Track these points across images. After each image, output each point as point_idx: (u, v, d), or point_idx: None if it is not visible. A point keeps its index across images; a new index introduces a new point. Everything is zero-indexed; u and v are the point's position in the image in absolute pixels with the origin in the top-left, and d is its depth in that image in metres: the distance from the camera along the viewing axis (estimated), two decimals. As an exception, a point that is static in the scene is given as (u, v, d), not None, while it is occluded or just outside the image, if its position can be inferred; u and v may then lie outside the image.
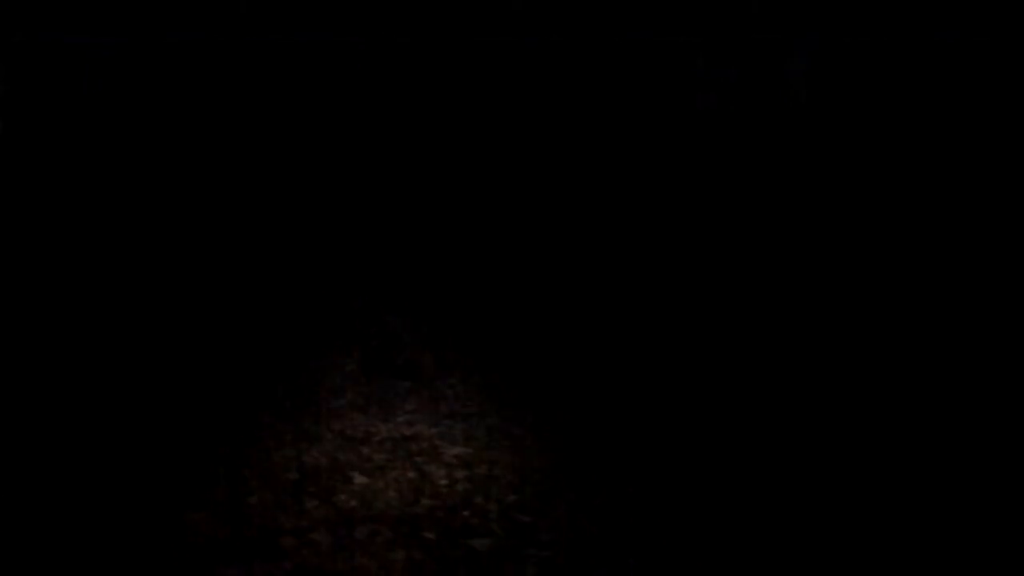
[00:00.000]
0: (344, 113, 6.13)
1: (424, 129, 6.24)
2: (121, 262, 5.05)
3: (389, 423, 2.86)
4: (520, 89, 6.22)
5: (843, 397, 3.14)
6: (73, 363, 3.38)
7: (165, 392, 3.13)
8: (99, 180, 5.97)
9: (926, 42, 5.65)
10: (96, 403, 3.01)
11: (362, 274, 4.97)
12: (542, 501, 2.21)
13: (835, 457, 2.59)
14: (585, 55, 6.23)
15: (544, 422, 2.87)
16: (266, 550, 1.88)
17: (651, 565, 1.85)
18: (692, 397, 3.15)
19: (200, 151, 6.05)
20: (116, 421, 2.85)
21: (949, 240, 5.21)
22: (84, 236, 5.50)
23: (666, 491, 2.29)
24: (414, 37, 6.10)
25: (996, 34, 5.50)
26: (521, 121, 6.23)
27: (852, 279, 4.81)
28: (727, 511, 2.15)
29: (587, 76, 6.24)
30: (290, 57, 5.97)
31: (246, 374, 3.32)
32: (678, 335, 3.89)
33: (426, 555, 1.91)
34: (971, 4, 5.55)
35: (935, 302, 4.38)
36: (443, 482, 2.37)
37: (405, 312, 4.20)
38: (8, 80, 5.49)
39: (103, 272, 4.82)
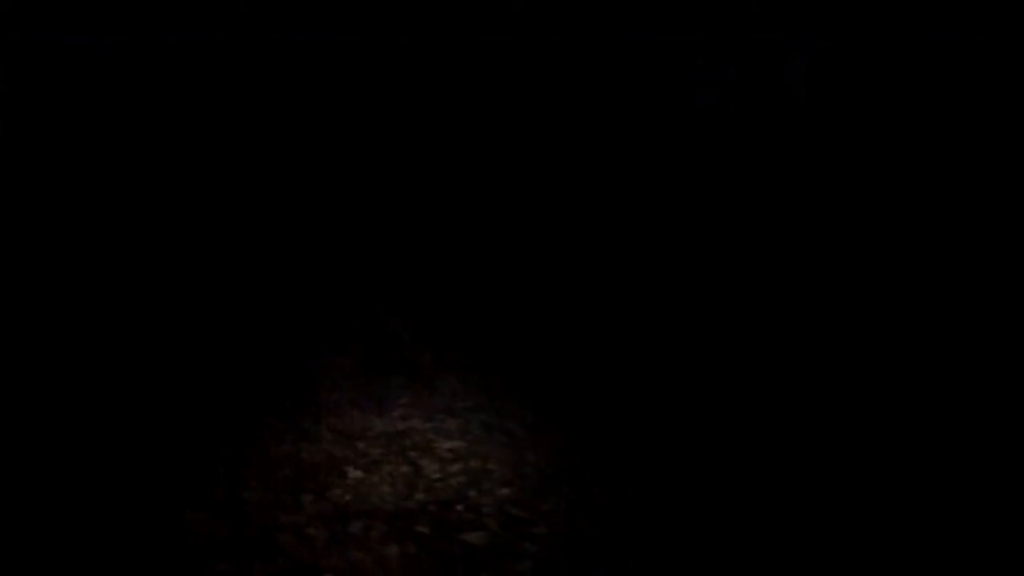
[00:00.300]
0: (344, 113, 6.14)
1: (424, 129, 6.25)
2: (121, 262, 5.05)
3: (384, 418, 2.86)
4: (520, 89, 6.22)
5: (840, 395, 3.14)
6: (73, 363, 3.39)
7: (165, 392, 3.13)
8: (99, 180, 5.98)
9: (926, 42, 5.65)
10: (96, 403, 3.01)
11: (362, 274, 4.98)
12: (537, 496, 2.21)
13: (834, 454, 2.59)
14: (585, 55, 6.24)
15: (540, 418, 2.87)
16: (264, 548, 1.88)
17: (649, 563, 1.84)
18: (690, 395, 3.15)
19: (200, 151, 6.06)
20: (116, 421, 2.85)
21: (949, 240, 5.20)
22: (84, 236, 5.51)
23: (665, 489, 2.29)
24: (414, 37, 6.10)
25: (996, 34, 5.49)
26: (521, 121, 6.24)
27: (851, 277, 4.81)
28: (725, 508, 2.14)
29: (587, 76, 6.24)
30: (290, 57, 5.98)
31: (246, 373, 3.33)
32: (677, 333, 3.89)
33: (420, 549, 1.91)
34: (971, 4, 5.55)
35: (935, 302, 4.38)
36: (436, 476, 2.37)
37: (405, 312, 4.20)
38: (8, 80, 5.50)
39: (103, 272, 4.83)
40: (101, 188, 5.99)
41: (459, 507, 2.14)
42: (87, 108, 5.73)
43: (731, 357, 3.56)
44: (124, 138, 5.90)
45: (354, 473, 2.38)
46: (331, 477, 2.37)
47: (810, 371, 3.38)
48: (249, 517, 2.07)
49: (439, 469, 2.41)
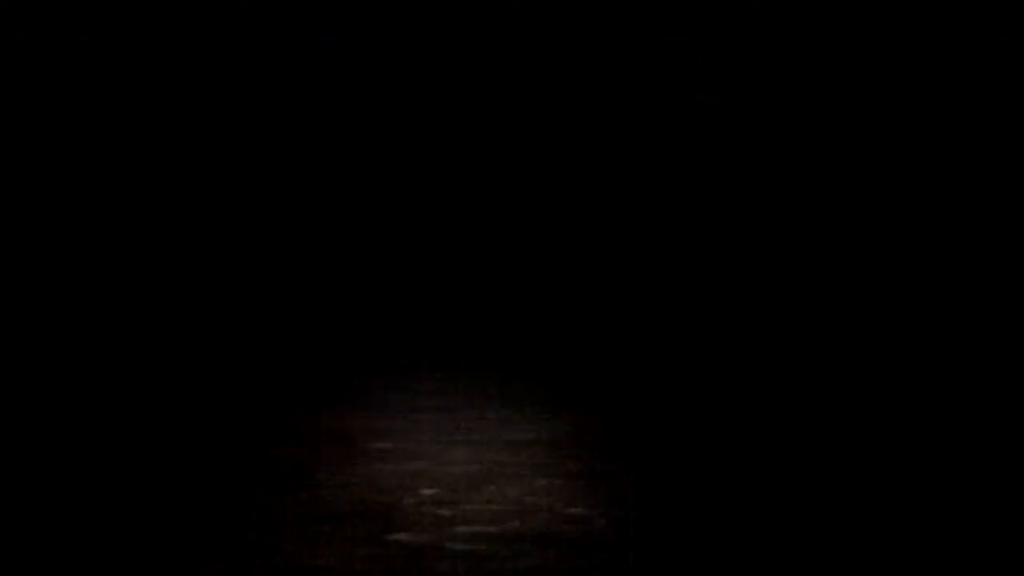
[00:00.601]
0: (343, 113, 6.15)
1: (424, 129, 6.26)
2: (121, 263, 5.06)
3: (380, 418, 2.87)
4: (520, 89, 6.24)
5: (837, 391, 3.15)
6: (74, 363, 3.40)
7: (167, 393, 3.14)
8: (99, 180, 5.99)
9: (926, 42, 5.65)
10: (98, 403, 3.02)
11: (362, 274, 4.98)
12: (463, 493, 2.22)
13: (829, 453, 2.60)
14: (585, 55, 6.25)
15: (547, 410, 2.88)
16: (264, 547, 1.89)
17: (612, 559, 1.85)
18: (689, 393, 3.16)
19: (200, 151, 6.07)
20: (117, 421, 2.86)
21: (947, 236, 5.21)
22: (84, 236, 5.52)
23: (654, 487, 2.30)
24: (414, 37, 6.12)
25: (996, 34, 5.50)
26: (521, 120, 6.25)
27: (850, 277, 4.82)
28: (712, 507, 2.16)
29: (587, 76, 6.25)
30: (290, 57, 5.99)
31: (245, 373, 3.34)
32: (675, 330, 3.90)
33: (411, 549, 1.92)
34: (971, 4, 5.56)
35: (933, 296, 4.38)
36: (423, 477, 2.39)
37: (405, 312, 4.21)
38: (8, 80, 5.52)
39: (103, 273, 4.83)
40: (101, 188, 6.00)
41: (396, 502, 2.15)
42: (87, 107, 5.75)
43: (726, 352, 3.57)
44: (124, 138, 5.92)
45: (345, 474, 2.39)
46: (326, 476, 2.38)
47: (804, 365, 3.39)
48: (249, 517, 2.08)
49: (423, 470, 2.43)
